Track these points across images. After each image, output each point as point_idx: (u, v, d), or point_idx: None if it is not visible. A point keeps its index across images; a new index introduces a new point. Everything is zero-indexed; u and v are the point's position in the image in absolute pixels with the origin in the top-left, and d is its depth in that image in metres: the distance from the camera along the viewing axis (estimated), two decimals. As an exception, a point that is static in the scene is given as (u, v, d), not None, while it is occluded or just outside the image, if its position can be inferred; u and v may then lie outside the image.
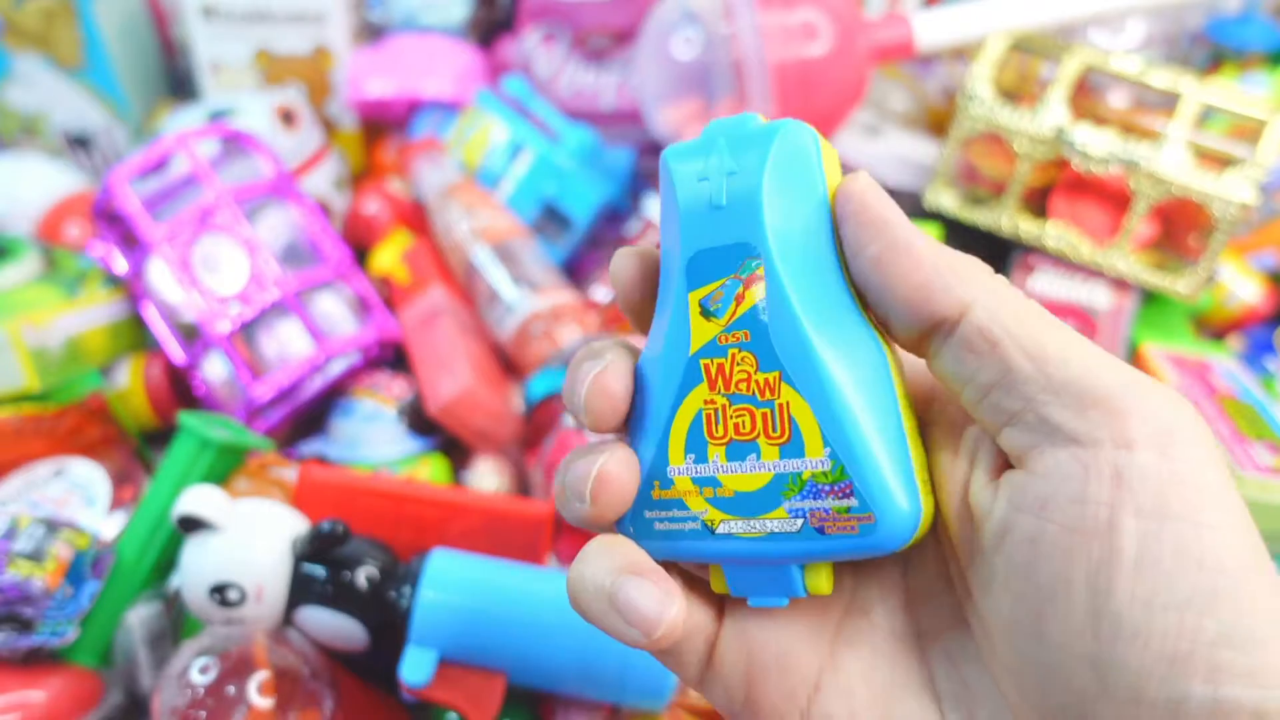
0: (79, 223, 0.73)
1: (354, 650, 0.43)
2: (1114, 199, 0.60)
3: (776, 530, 0.23)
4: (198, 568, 0.41)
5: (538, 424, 0.58)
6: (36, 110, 0.81)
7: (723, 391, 0.24)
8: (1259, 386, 0.56)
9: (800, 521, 0.23)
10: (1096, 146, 0.57)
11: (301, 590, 0.42)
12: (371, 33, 0.84)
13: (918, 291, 0.21)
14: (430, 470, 0.56)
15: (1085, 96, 0.62)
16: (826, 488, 0.22)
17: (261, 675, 0.39)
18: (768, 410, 0.23)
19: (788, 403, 0.23)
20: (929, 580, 0.24)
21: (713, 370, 0.24)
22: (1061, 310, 0.60)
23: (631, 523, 0.25)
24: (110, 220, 0.62)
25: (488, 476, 0.57)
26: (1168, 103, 0.59)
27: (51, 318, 0.56)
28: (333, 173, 0.77)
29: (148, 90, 0.84)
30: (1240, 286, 0.66)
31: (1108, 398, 0.20)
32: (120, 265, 0.62)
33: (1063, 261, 0.61)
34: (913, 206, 0.65)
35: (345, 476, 0.49)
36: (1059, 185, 0.61)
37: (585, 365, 0.24)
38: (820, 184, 0.23)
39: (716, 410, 0.24)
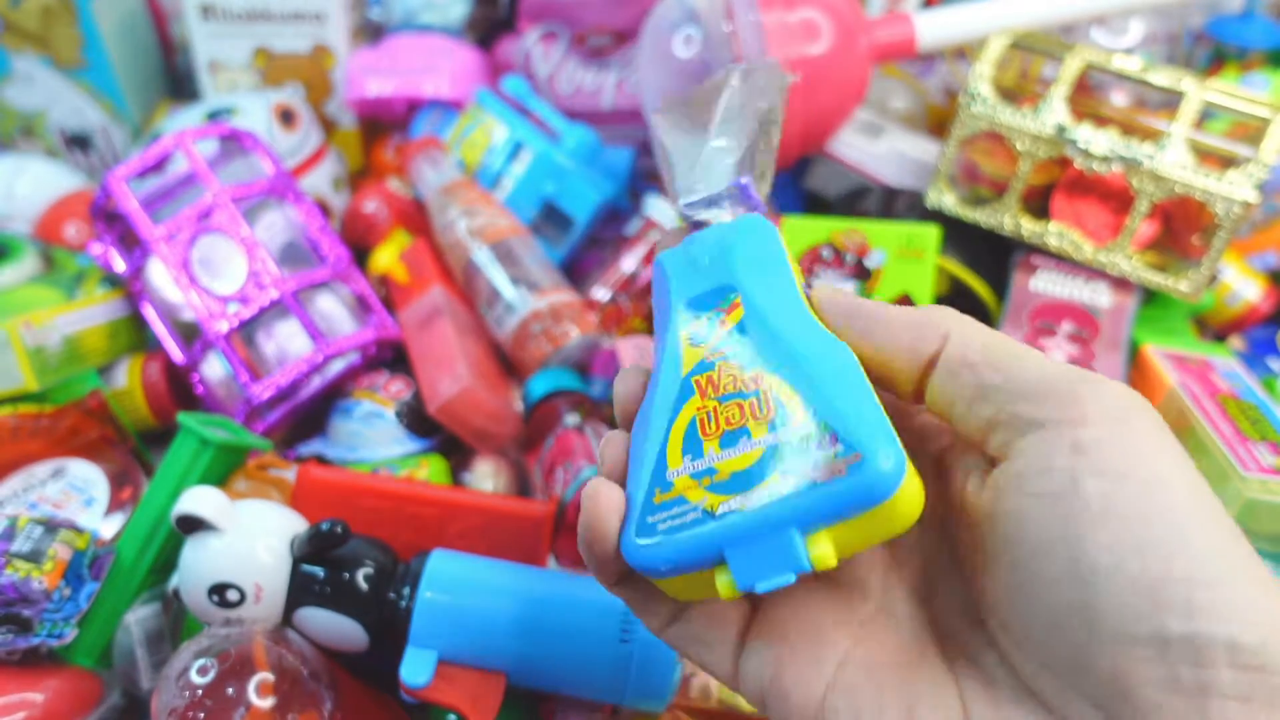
0: (77, 222, 0.73)
1: (354, 651, 0.43)
2: (1115, 198, 0.59)
3: (773, 496, 0.24)
4: (197, 568, 0.41)
5: (537, 424, 0.58)
6: (35, 109, 0.81)
7: (712, 396, 0.27)
8: (1261, 386, 0.56)
9: (793, 480, 0.24)
10: (1098, 145, 0.57)
11: (301, 591, 0.42)
12: (371, 32, 0.84)
13: (905, 337, 0.26)
14: (429, 471, 0.56)
15: (1087, 95, 0.62)
16: (814, 443, 0.24)
17: (261, 676, 0.38)
18: (754, 398, 0.26)
19: (770, 387, 0.26)
20: (945, 581, 0.28)
21: (703, 382, 0.27)
22: (1063, 309, 0.60)
23: (636, 533, 0.26)
24: (109, 220, 0.62)
25: (487, 478, 0.57)
26: (1169, 102, 0.59)
27: (50, 317, 0.56)
28: (332, 172, 0.76)
29: (146, 89, 0.84)
30: (1242, 286, 0.66)
31: (1063, 390, 0.23)
32: (119, 265, 0.61)
33: (1064, 261, 0.61)
34: (914, 206, 0.65)
35: (344, 476, 0.48)
36: (1060, 184, 0.61)
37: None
38: (779, 248, 0.29)
39: (709, 412, 0.26)
